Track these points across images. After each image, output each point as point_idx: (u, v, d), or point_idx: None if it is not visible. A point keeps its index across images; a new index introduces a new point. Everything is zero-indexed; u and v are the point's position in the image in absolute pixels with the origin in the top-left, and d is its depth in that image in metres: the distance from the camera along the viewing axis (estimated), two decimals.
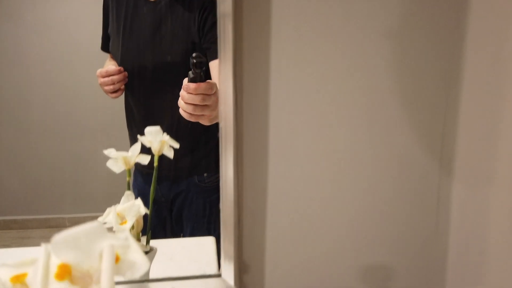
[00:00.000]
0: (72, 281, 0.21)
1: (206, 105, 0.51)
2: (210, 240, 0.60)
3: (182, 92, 0.52)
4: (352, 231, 0.48)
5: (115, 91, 0.78)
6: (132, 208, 0.46)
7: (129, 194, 0.51)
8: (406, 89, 0.47)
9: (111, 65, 0.79)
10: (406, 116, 0.47)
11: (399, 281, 0.50)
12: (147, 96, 0.79)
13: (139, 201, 0.49)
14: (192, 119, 0.53)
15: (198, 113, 0.52)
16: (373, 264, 0.48)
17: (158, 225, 0.82)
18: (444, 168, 0.49)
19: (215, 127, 0.68)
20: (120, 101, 1.22)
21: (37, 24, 1.28)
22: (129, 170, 0.54)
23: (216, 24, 0.51)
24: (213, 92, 0.51)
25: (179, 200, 0.79)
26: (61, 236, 0.21)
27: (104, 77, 0.75)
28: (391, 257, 0.49)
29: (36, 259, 0.24)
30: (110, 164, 0.53)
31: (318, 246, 0.47)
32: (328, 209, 0.48)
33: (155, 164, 0.55)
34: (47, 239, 0.91)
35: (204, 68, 0.51)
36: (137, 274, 0.22)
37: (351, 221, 0.48)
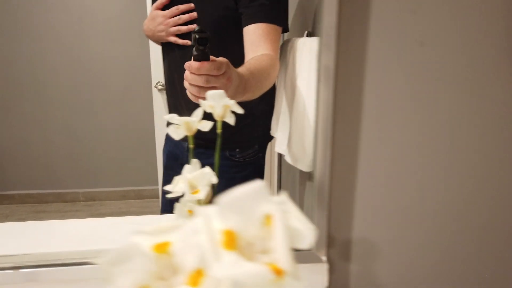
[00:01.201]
0: (238, 251, 0.18)
1: (213, 87, 0.46)
2: None
3: (186, 72, 0.46)
4: (442, 213, 0.46)
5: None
6: (204, 176, 0.43)
7: (195, 162, 0.48)
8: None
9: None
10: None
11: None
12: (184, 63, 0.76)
13: (208, 169, 0.46)
14: (200, 101, 0.48)
15: (204, 95, 0.46)
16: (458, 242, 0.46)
17: None
18: None
19: (250, 104, 0.66)
20: (132, 77, 1.22)
21: (56, 3, 1.28)
22: (191, 137, 0.51)
23: None
24: (221, 73, 0.46)
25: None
26: (228, 198, 0.18)
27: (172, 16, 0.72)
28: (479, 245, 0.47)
29: (175, 226, 0.21)
30: (171, 130, 0.50)
31: (406, 227, 0.45)
32: (419, 192, 0.45)
33: (218, 130, 0.52)
34: (62, 213, 0.90)
35: (208, 44, 0.44)
36: (302, 245, 0.20)
37: (443, 204, 0.46)
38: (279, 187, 0.89)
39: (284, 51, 0.73)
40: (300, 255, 0.40)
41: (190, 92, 0.48)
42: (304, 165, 0.63)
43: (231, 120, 0.53)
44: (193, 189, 0.43)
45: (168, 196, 0.47)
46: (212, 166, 0.75)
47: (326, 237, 0.39)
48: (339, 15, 0.40)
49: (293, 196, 0.70)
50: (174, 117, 0.49)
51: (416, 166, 0.46)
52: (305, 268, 0.38)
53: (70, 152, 1.36)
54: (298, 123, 0.66)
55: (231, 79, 0.47)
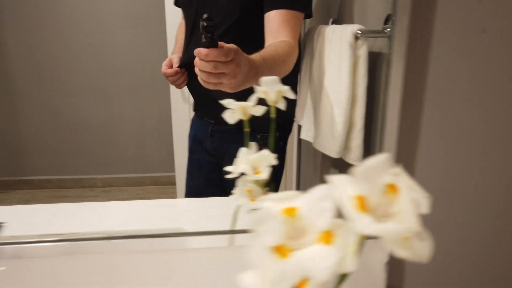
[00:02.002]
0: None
1: (222, 73, 0.48)
2: None
3: (196, 59, 0.48)
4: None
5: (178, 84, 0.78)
6: (265, 158, 0.46)
7: (253, 145, 0.51)
8: None
9: (175, 56, 0.79)
10: None
11: None
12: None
13: (267, 152, 0.49)
14: (210, 87, 0.51)
15: (213, 81, 0.49)
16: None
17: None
18: None
19: None
20: (150, 64, 1.27)
21: None
22: (247, 121, 0.54)
23: None
24: (230, 59, 0.48)
25: (229, 155, 0.82)
26: (361, 168, 0.21)
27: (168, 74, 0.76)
28: None
29: (297, 194, 0.24)
30: (226, 115, 0.53)
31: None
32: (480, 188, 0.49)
33: (272, 115, 0.55)
34: (80, 198, 0.95)
35: (215, 32, 0.46)
36: (421, 210, 0.23)
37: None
38: (298, 173, 0.93)
39: (310, 38, 0.74)
40: None
41: (200, 77, 0.49)
42: (332, 152, 0.67)
43: (282, 105, 0.56)
44: (255, 170, 0.46)
45: (228, 176, 0.50)
46: (234, 150, 0.79)
47: None
48: (411, 14, 0.43)
49: (314, 182, 0.74)
50: (231, 102, 0.52)
51: (478, 157, 0.49)
52: (369, 243, 0.41)
53: (88, 139, 1.42)
54: (327, 111, 0.68)
55: (239, 65, 0.49)
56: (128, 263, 0.42)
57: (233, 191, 0.50)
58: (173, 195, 1.28)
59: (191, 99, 1.14)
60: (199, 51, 0.46)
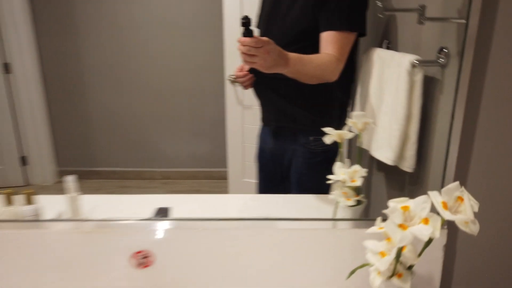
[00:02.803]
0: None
1: (254, 55, 0.71)
2: None
3: (239, 45, 0.71)
4: None
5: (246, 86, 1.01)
6: (359, 171, 0.72)
7: (346, 161, 0.77)
8: None
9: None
10: None
11: None
12: None
13: (359, 167, 0.75)
14: (248, 65, 0.74)
15: (249, 60, 0.72)
16: None
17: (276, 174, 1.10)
18: None
19: (325, 103, 0.91)
20: (207, 69, 1.41)
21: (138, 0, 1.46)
22: (341, 143, 0.80)
23: (328, 2, 0.77)
24: (260, 46, 0.69)
25: (288, 156, 1.04)
26: (446, 188, 0.47)
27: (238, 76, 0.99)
28: None
29: (406, 199, 0.51)
30: (326, 138, 0.79)
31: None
32: None
33: (360, 139, 0.81)
34: (142, 189, 1.27)
35: (249, 26, 0.70)
36: (474, 210, 0.48)
37: None
38: None
39: (368, 59, 0.89)
40: None
41: (242, 57, 0.72)
42: (388, 160, 0.81)
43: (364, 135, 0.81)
44: (351, 179, 0.72)
45: (329, 182, 0.77)
46: (288, 151, 0.99)
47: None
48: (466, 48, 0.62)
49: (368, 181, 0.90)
50: (331, 130, 0.78)
51: None
52: None
53: (149, 136, 1.58)
54: (386, 125, 0.82)
55: (269, 52, 0.72)
56: (253, 238, 0.69)
57: (332, 192, 0.76)
58: (224, 189, 1.45)
59: (244, 102, 1.32)
60: (240, 39, 0.71)
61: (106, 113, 1.57)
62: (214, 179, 1.57)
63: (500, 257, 0.74)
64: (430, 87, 0.75)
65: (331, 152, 0.83)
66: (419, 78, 0.74)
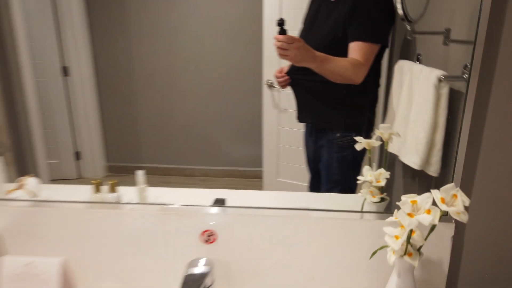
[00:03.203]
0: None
1: (286, 49, 0.94)
2: None
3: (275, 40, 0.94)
4: None
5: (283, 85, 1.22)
6: (383, 174, 0.91)
7: (373, 166, 0.96)
8: None
9: (287, 65, 1.20)
10: None
11: None
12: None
13: (383, 170, 0.94)
14: (281, 57, 0.96)
15: (282, 53, 0.95)
16: None
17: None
18: None
19: (352, 103, 1.08)
20: (246, 74, 1.51)
21: (187, 3, 1.53)
22: (370, 150, 0.98)
23: (356, 17, 0.95)
24: (291, 43, 0.92)
25: (318, 151, 1.22)
26: (443, 188, 0.66)
27: (277, 76, 1.21)
28: None
29: (415, 196, 0.70)
30: (357, 145, 0.98)
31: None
32: None
33: (386, 147, 0.99)
34: (183, 185, 1.48)
35: (283, 26, 0.92)
36: (465, 204, 0.67)
37: None
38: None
39: (400, 70, 1.03)
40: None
41: (277, 51, 0.95)
42: (415, 165, 0.93)
43: (391, 144, 0.99)
44: (377, 180, 0.91)
45: (358, 182, 0.96)
46: (318, 147, 1.17)
47: None
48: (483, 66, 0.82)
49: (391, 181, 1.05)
50: (361, 139, 0.97)
51: None
52: (443, 224, 0.86)
53: (190, 135, 1.67)
54: (414, 133, 0.95)
55: (299, 48, 0.95)
56: (294, 225, 0.91)
57: (360, 190, 0.96)
58: (259, 188, 1.55)
59: (280, 105, 1.43)
60: (276, 36, 0.94)
61: (152, 113, 1.68)
62: (249, 178, 1.64)
63: (499, 249, 0.92)
64: (455, 99, 0.84)
65: (356, 150, 1.00)
66: (445, 91, 0.85)
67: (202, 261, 0.85)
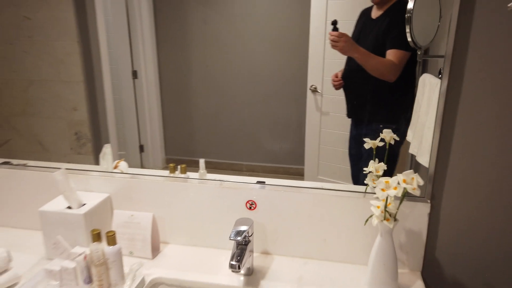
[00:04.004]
0: None
1: (337, 42, 1.35)
2: None
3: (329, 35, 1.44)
4: None
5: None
6: (382, 166, 1.32)
7: (376, 160, 1.36)
8: None
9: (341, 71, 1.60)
10: None
11: None
12: (352, 66, 1.57)
13: (382, 163, 1.34)
14: (333, 48, 1.40)
15: (333, 45, 1.35)
16: None
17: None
18: None
19: (391, 97, 1.51)
20: (292, 79, 1.69)
21: (233, 12, 1.68)
22: (374, 148, 1.38)
23: (392, 31, 1.38)
24: (341, 37, 1.34)
25: (361, 140, 1.61)
26: (405, 172, 1.07)
27: (334, 80, 1.61)
28: None
29: (389, 178, 1.11)
30: (365, 144, 1.39)
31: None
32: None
33: (387, 147, 1.39)
34: None
35: (336, 25, 1.34)
36: (419, 183, 1.08)
37: None
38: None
39: (423, 82, 1.36)
40: (418, 199, 1.27)
41: (330, 44, 1.41)
42: (426, 163, 1.35)
43: (392, 141, 1.39)
44: (377, 170, 1.32)
45: (365, 172, 1.37)
46: (363, 135, 1.57)
47: (430, 193, 1.26)
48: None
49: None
50: (369, 140, 1.38)
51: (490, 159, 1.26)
52: (421, 204, 1.26)
53: (239, 133, 1.82)
54: (428, 138, 1.34)
55: (346, 42, 1.39)
56: (314, 200, 1.35)
57: (366, 179, 1.37)
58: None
59: (322, 109, 1.57)
60: (330, 32, 1.40)
61: (206, 113, 1.83)
62: (292, 175, 1.76)
63: (469, 222, 1.31)
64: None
65: (395, 141, 1.34)
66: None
67: (246, 220, 1.31)
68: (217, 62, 1.73)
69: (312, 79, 1.56)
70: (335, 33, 1.36)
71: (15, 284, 1.27)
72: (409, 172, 1.10)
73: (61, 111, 1.81)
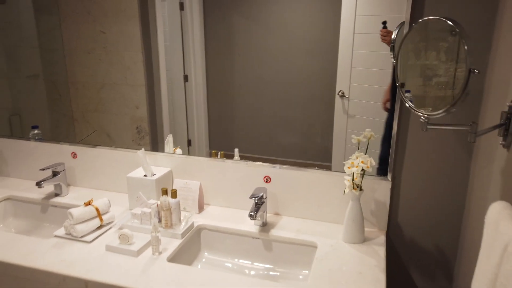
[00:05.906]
0: None
1: (386, 36, 1.58)
2: None
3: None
4: None
5: None
6: (367, 158, 1.92)
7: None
8: None
9: None
10: None
11: None
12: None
13: (362, 153, 1.95)
14: (382, 41, 1.59)
15: (383, 39, 1.58)
16: None
17: None
18: None
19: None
20: (321, 85, 1.79)
21: (271, 24, 1.76)
22: (368, 141, 1.99)
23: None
24: (389, 33, 1.58)
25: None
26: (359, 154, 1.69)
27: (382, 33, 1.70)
28: None
29: (355, 158, 1.72)
30: (359, 137, 2.00)
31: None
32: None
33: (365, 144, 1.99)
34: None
35: (385, 26, 1.59)
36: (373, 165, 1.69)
37: None
38: None
39: None
40: (384, 178, 1.87)
41: (381, 38, 1.61)
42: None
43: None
44: (357, 157, 1.92)
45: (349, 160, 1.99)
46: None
47: (391, 177, 1.86)
48: None
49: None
50: (353, 136, 1.99)
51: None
52: (384, 182, 1.87)
53: (273, 132, 1.99)
54: None
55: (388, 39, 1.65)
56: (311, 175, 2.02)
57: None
58: None
59: (349, 112, 1.74)
60: (381, 30, 1.60)
61: (246, 113, 1.99)
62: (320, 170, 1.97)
63: (418, 195, 1.95)
64: None
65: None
66: None
67: (262, 188, 1.98)
68: (257, 68, 1.85)
69: (340, 85, 1.68)
70: (384, 30, 1.58)
71: (113, 221, 2.04)
72: (366, 156, 1.70)
73: (126, 109, 2.07)
